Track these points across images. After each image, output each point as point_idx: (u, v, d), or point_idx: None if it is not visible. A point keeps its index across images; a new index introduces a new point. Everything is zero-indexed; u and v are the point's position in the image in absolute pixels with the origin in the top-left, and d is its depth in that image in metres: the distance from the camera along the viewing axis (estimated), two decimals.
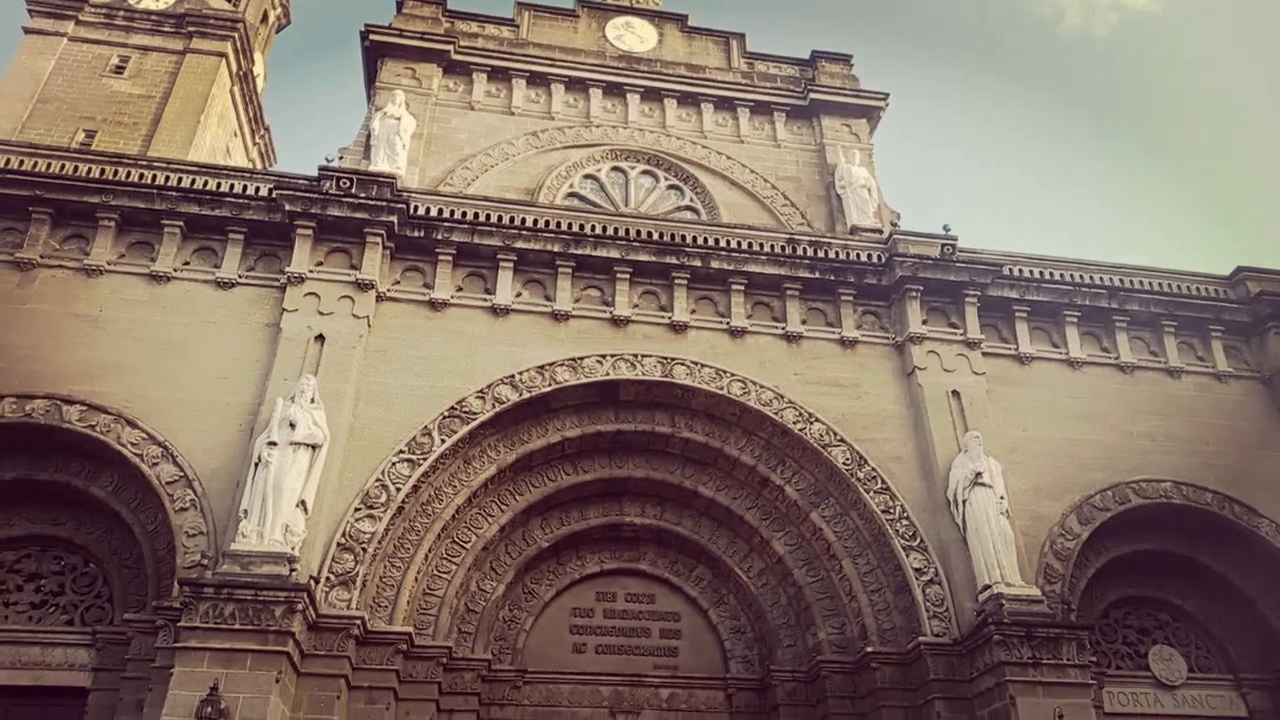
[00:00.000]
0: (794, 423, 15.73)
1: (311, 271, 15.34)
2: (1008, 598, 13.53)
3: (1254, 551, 15.87)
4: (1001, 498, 14.68)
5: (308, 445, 13.26)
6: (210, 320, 14.92)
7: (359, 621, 12.79)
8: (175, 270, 15.25)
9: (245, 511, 12.60)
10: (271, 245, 15.71)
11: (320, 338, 14.78)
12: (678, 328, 16.38)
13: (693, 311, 16.67)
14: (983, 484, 14.76)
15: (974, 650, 13.70)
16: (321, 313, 15.02)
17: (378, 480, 13.95)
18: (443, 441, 14.54)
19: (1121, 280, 18.19)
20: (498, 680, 14.98)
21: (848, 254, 17.40)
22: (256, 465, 12.96)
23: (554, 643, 15.84)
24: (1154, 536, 16.25)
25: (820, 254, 17.24)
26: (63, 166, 15.61)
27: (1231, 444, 16.73)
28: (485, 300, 16.07)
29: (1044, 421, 16.43)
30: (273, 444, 13.02)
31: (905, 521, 15.06)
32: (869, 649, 14.54)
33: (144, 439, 13.53)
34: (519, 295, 16.28)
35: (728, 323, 16.61)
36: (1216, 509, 15.85)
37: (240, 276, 15.39)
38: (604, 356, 15.79)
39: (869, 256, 17.39)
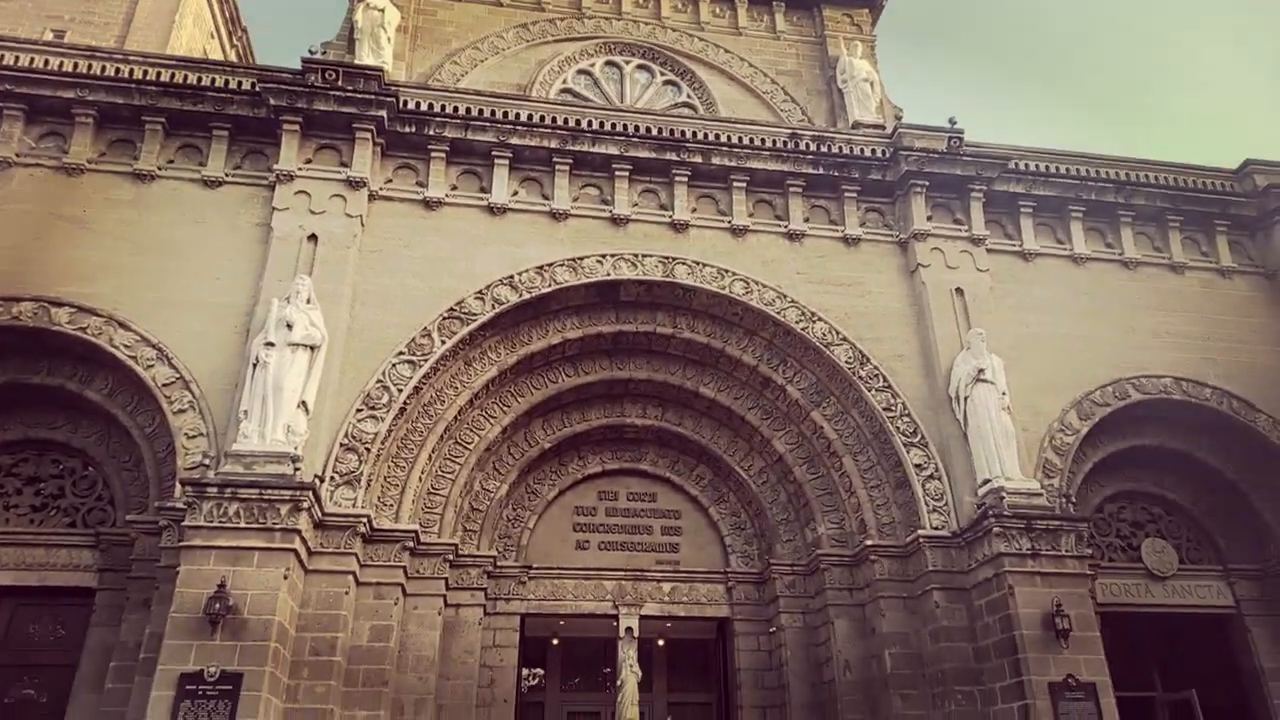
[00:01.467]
0: (796, 322, 15.56)
1: (300, 169, 14.84)
2: (1008, 491, 13.66)
3: (1249, 446, 16.01)
4: (1003, 394, 14.67)
5: (306, 346, 13.04)
6: (199, 220, 14.48)
7: (365, 519, 12.84)
8: (159, 169, 14.71)
9: (245, 412, 12.47)
10: (258, 142, 15.15)
11: (313, 237, 14.39)
12: (678, 226, 16.03)
13: (693, 210, 16.30)
14: (985, 380, 14.73)
15: (973, 542, 13.89)
16: (313, 212, 14.59)
17: (379, 381, 13.80)
18: (443, 343, 14.34)
19: (1127, 174, 17.84)
20: (503, 576, 15.20)
21: (852, 149, 16.94)
22: (254, 366, 12.77)
23: (557, 540, 16.03)
24: (1151, 432, 16.38)
25: (824, 149, 16.77)
26: (33, 60, 14.87)
27: (1232, 339, 16.69)
28: (481, 199, 15.64)
29: (1047, 318, 16.31)
30: (270, 345, 12.80)
31: (906, 419, 15.07)
32: (868, 543, 14.74)
33: (137, 341, 13.27)
34: (515, 194, 15.84)
35: (729, 221, 16.26)
36: (1215, 404, 15.91)
37: (227, 175, 14.87)
38: (604, 256, 15.47)
39: (873, 151, 16.94)
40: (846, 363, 15.38)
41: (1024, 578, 13.10)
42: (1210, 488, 16.48)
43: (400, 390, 13.86)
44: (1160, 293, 17.08)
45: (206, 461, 12.18)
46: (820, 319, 15.60)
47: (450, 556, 14.18)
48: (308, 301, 13.45)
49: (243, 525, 11.44)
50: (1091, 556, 14.65)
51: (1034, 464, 14.81)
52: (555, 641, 17.63)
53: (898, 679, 13.88)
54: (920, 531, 14.25)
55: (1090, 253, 17.19)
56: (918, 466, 14.79)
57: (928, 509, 14.48)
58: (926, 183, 16.58)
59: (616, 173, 16.11)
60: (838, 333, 15.53)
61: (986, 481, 14.10)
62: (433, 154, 15.59)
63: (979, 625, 13.66)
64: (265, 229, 14.46)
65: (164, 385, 13.09)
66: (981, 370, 14.75)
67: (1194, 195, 17.83)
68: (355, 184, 14.87)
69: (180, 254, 14.14)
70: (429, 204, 15.40)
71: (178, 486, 12.16)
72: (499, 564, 15.19)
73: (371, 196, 15.10)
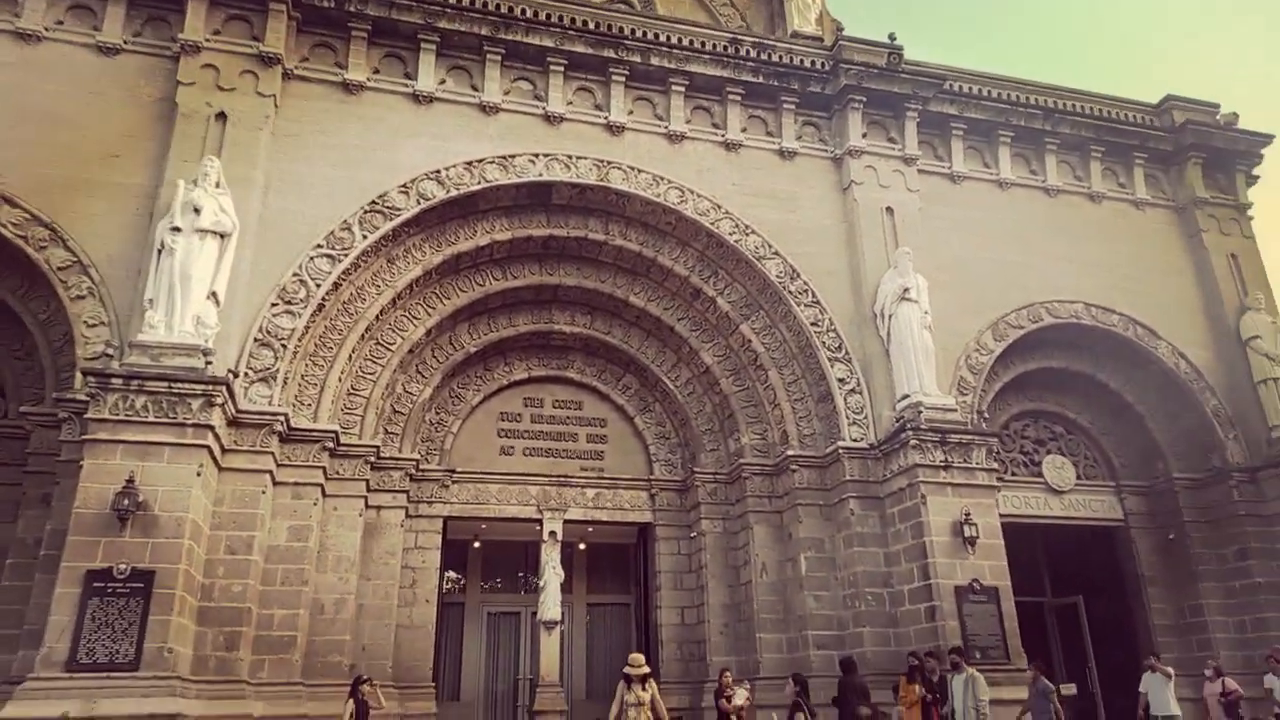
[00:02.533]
0: (730, 234, 15.42)
1: (207, 41, 13.67)
2: (926, 406, 14.06)
3: (1150, 371, 16.85)
4: (925, 313, 14.97)
5: (215, 233, 12.22)
6: (95, 91, 13.24)
7: (282, 418, 12.35)
8: (46, 29, 13.31)
9: (150, 301, 11.68)
10: (160, 7, 13.84)
11: (222, 116, 13.36)
12: (614, 129, 15.53)
13: (630, 113, 15.79)
14: (909, 299, 14.98)
15: (889, 454, 14.33)
16: (221, 88, 13.51)
17: (295, 275, 13.12)
18: (364, 237, 13.68)
19: (1055, 102, 18.10)
20: (426, 480, 14.97)
21: (792, 59, 16.62)
22: (160, 253, 11.92)
23: (481, 445, 15.83)
24: (1060, 354, 17.05)
25: (764, 57, 16.41)
26: None
27: (1141, 269, 17.38)
28: (406, 86, 14.77)
29: (971, 240, 16.60)
30: (177, 230, 11.94)
31: (832, 334, 15.26)
32: (790, 453, 15.06)
33: (27, 219, 12.20)
34: (443, 83, 15.02)
35: (666, 127, 15.84)
36: (1121, 330, 16.63)
37: (125, 42, 13.58)
38: (536, 156, 14.90)
39: (813, 63, 16.67)
40: (778, 277, 15.39)
41: (936, 488, 13.62)
42: (1109, 409, 17.35)
43: (318, 285, 13.22)
44: (1078, 221, 17.56)
45: (110, 352, 11.40)
46: (754, 232, 15.49)
47: (371, 458, 13.84)
48: (217, 186, 12.56)
49: (151, 419, 10.83)
50: (997, 470, 15.32)
51: (950, 381, 15.25)
52: (476, 545, 17.64)
53: (812, 581, 14.40)
54: (840, 443, 14.60)
55: (1015, 178, 17.48)
56: (840, 381, 15.05)
57: (848, 421, 14.82)
58: (864, 99, 16.45)
59: (551, 67, 15.43)
60: (770, 246, 15.48)
61: (905, 397, 14.48)
62: (353, 33, 14.59)
63: (890, 532, 14.21)
64: (169, 104, 13.36)
65: (59, 269, 12.14)
66: (907, 289, 14.98)
67: (1116, 127, 18.26)
68: (268, 60, 13.81)
69: (75, 128, 12.96)
70: (349, 88, 14.47)
71: (78, 377, 11.40)
72: (422, 467, 14.94)
73: (286, 75, 14.08)
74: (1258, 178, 18.87)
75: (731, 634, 15.08)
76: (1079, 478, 17.01)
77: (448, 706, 15.13)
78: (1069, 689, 15.07)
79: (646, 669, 10.18)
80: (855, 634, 13.94)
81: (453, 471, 15.26)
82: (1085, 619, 16.57)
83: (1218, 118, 18.96)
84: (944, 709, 10.60)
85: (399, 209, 13.96)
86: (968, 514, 13.44)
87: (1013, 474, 16.80)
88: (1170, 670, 12.86)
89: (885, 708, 12.13)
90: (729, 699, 11.97)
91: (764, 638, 14.46)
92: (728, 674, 12.61)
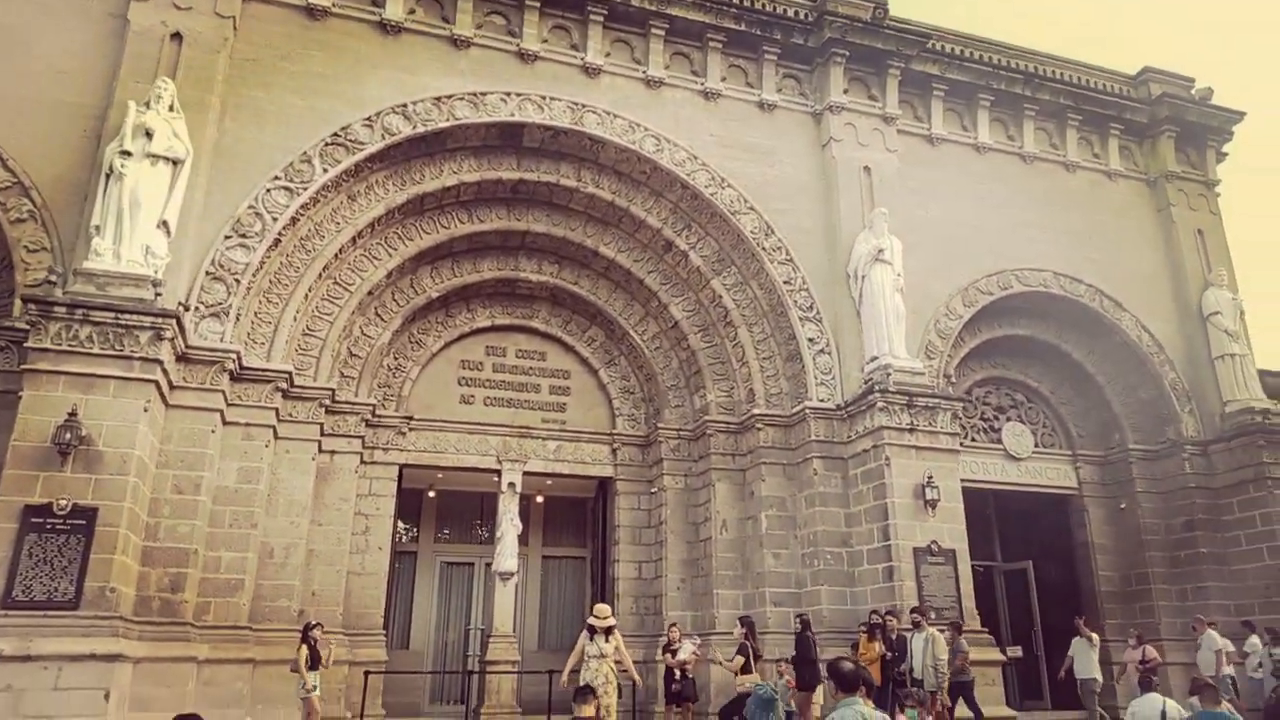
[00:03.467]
0: (705, 186, 15.09)
1: None
2: (895, 369, 14.00)
3: (1113, 342, 16.97)
4: (898, 275, 14.85)
5: (167, 159, 11.59)
6: (42, 4, 12.40)
7: (234, 355, 11.88)
8: None
9: (97, 228, 11.06)
10: None
11: (177, 36, 12.62)
12: (590, 71, 15.02)
13: (607, 55, 15.28)
14: (883, 260, 14.84)
15: (855, 415, 14.28)
16: (178, 6, 12.72)
17: (250, 207, 12.54)
18: (324, 171, 13.12)
19: (1036, 67, 17.96)
20: (382, 425, 14.60)
21: (775, 7, 16.19)
22: (108, 177, 11.28)
23: (441, 393, 15.46)
24: (1026, 323, 17.10)
25: (748, 4, 15.95)
26: None
27: (1111, 241, 17.43)
28: (372, 13, 14.09)
29: (945, 204, 16.47)
30: (126, 154, 11.29)
31: (804, 293, 15.08)
32: (756, 411, 14.96)
33: None
34: (412, 12, 14.35)
35: (644, 71, 15.37)
36: (1088, 301, 16.70)
37: None
38: (508, 95, 14.36)
39: (797, 13, 16.26)
40: (752, 233, 15.12)
41: (900, 450, 13.61)
42: (1071, 379, 17.49)
43: (275, 219, 12.67)
44: (1052, 189, 17.52)
45: (53, 279, 10.79)
46: (730, 185, 15.18)
47: (326, 401, 13.42)
48: (170, 109, 11.89)
49: (96, 351, 10.31)
50: (960, 435, 15.38)
51: (918, 345, 15.19)
52: (431, 494, 17.35)
53: (772, 539, 14.39)
54: (807, 403, 14.51)
55: (993, 143, 17.35)
56: (810, 341, 14.92)
57: (816, 382, 14.72)
58: (847, 53, 16.12)
59: (526, 2, 14.83)
60: (746, 201, 15.19)
61: (874, 359, 14.40)
62: None
63: (852, 493, 14.22)
64: (121, 21, 12.57)
65: None
66: (881, 250, 14.83)
67: (1094, 96, 18.17)
68: None
69: (19, 41, 12.15)
70: (312, 12, 13.76)
71: (17, 304, 10.83)
72: (378, 413, 14.56)
73: None
74: (1227, 154, 18.97)
75: (689, 589, 15.07)
76: (1037, 446, 17.18)
77: (397, 654, 14.94)
78: (1015, 651, 15.39)
79: (612, 620, 9.86)
80: (813, 592, 13.99)
81: (410, 418, 14.91)
82: (1034, 584, 16.86)
83: (1193, 92, 18.97)
84: (901, 667, 10.66)
85: (362, 143, 13.40)
86: (930, 477, 13.48)
87: (972, 439, 16.90)
88: (1095, 635, 13.08)
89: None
90: (673, 653, 11.95)
91: (721, 594, 14.45)
92: (675, 629, 12.59)
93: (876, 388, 13.78)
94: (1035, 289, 16.48)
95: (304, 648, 10.33)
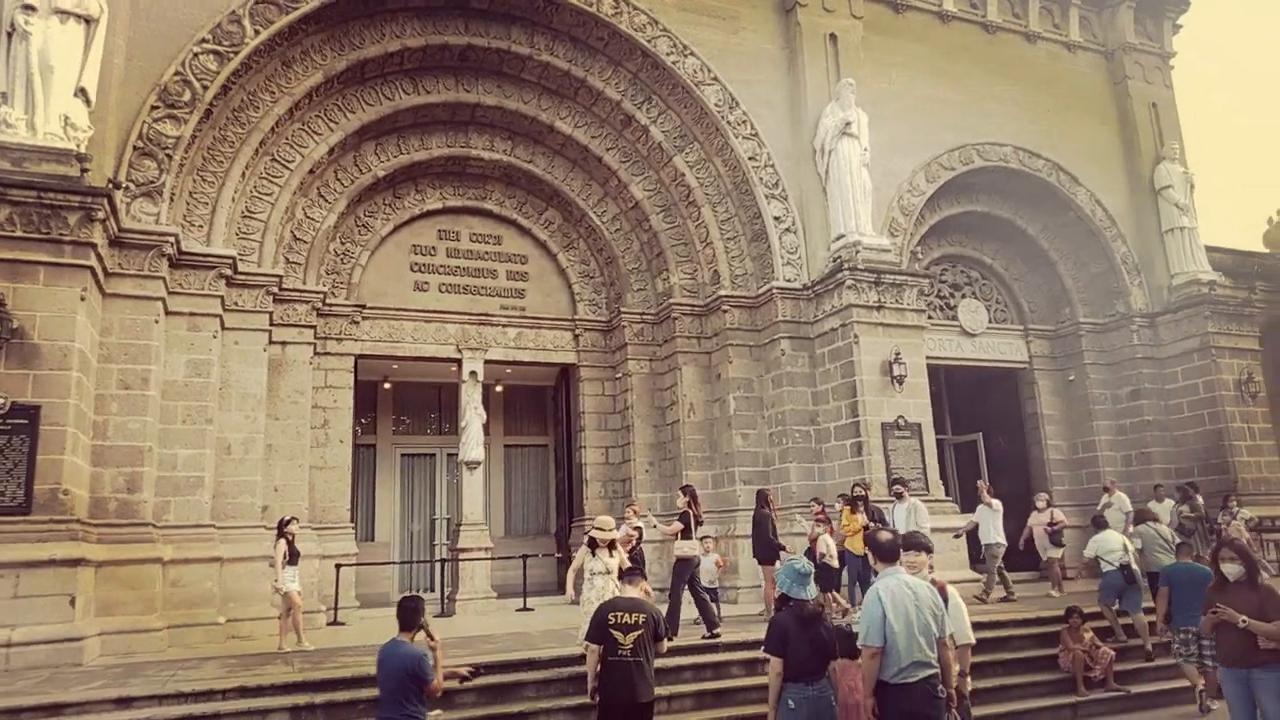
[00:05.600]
0: (667, 54, 14.27)
1: None
2: (864, 246, 13.82)
3: (1067, 218, 17.09)
4: (865, 150, 14.50)
5: (79, 16, 10.28)
6: None
7: (171, 239, 10.92)
8: None
9: (4, 95, 9.83)
10: None
11: None
12: None
13: None
14: (850, 134, 14.43)
15: (823, 294, 14.14)
16: None
17: (177, 74, 11.32)
18: (256, 33, 11.87)
19: None
20: (333, 315, 13.84)
21: None
22: (11, 35, 9.97)
23: (393, 280, 14.70)
24: (983, 199, 17.03)
25: None
26: None
27: (1068, 114, 17.32)
28: None
29: (909, 75, 16.02)
30: (30, 9, 9.95)
31: (770, 169, 14.62)
32: (721, 293, 14.68)
33: None
34: None
35: None
36: (1045, 175, 16.66)
37: None
38: None
39: None
40: (716, 105, 14.47)
41: (869, 328, 13.57)
42: (1024, 255, 17.64)
43: (205, 87, 11.49)
44: (1013, 61, 17.20)
45: None
46: (692, 53, 14.39)
47: (274, 289, 12.58)
48: None
49: (19, 234, 9.29)
50: (925, 311, 15.39)
51: (883, 222, 15.00)
52: (386, 386, 16.81)
53: (740, 419, 14.39)
54: (774, 283, 14.29)
55: (957, 11, 16.81)
56: (776, 219, 14.58)
57: (782, 261, 14.47)
58: None
59: None
60: (709, 70, 14.46)
61: (841, 237, 14.18)
62: None
63: (819, 371, 14.21)
64: None
65: None
66: (849, 123, 14.40)
67: None
68: None
69: None
70: None
71: None
72: (329, 301, 13.77)
73: None
74: (1181, 26, 18.87)
75: (657, 472, 15.05)
76: (990, 322, 17.41)
77: (364, 547, 14.67)
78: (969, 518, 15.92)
79: (616, 534, 8.73)
80: (781, 469, 14.12)
81: (363, 307, 14.17)
82: (983, 454, 17.40)
83: None
84: None
85: (296, 2, 12.15)
86: (898, 354, 13.52)
87: (930, 317, 16.94)
88: (997, 501, 13.29)
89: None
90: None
91: (691, 475, 14.43)
92: (631, 508, 12.22)
93: (845, 266, 13.60)
94: (995, 164, 16.35)
95: (282, 543, 9.90)
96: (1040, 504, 14.44)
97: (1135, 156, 17.59)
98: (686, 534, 10.26)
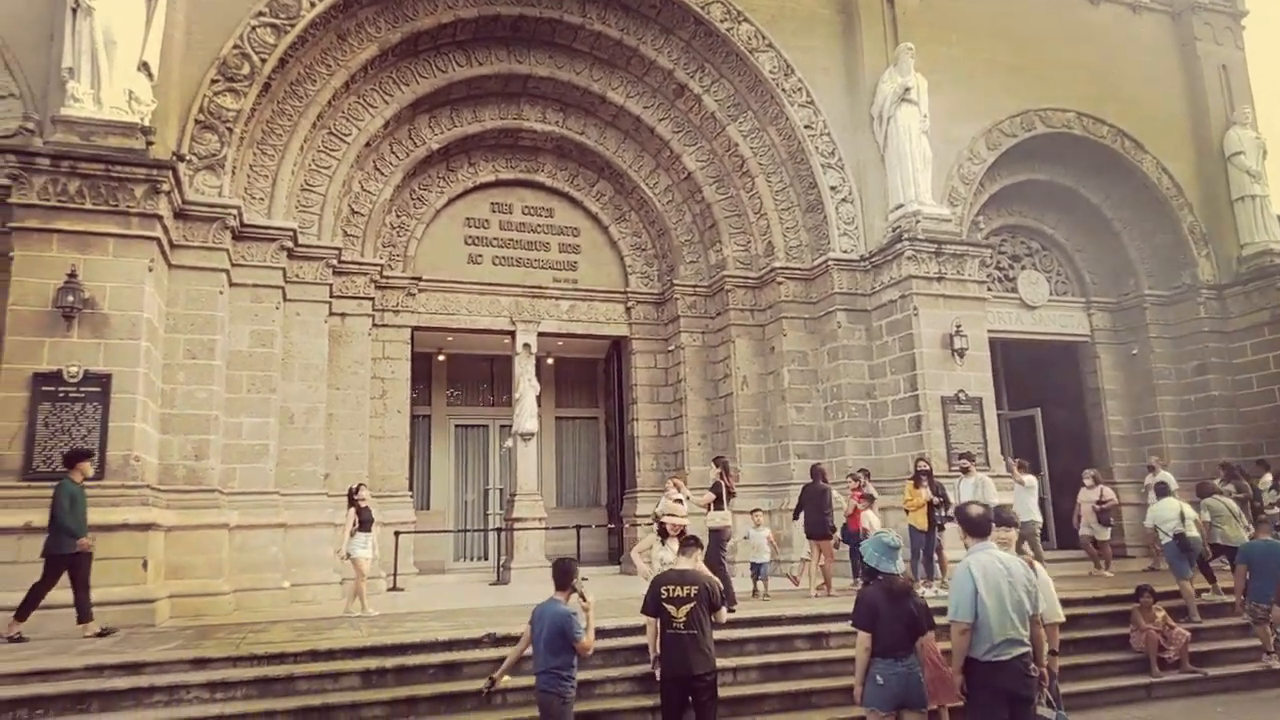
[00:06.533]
0: (720, 20, 14.04)
1: None
2: (924, 215, 13.52)
3: (1132, 185, 16.55)
4: (925, 117, 14.15)
5: None
6: None
7: (234, 211, 11.05)
8: None
9: (70, 70, 9.97)
10: None
11: None
12: None
13: None
14: (909, 100, 14.08)
15: (880, 265, 13.88)
16: None
17: (236, 47, 11.40)
18: (312, 5, 11.89)
19: None
20: (390, 287, 13.94)
21: None
22: (75, 11, 10.09)
23: (448, 253, 14.76)
24: (1045, 167, 16.53)
25: None
26: None
27: (1133, 78, 16.71)
28: None
29: (967, 39, 15.55)
30: None
31: (825, 138, 14.36)
32: (776, 265, 14.51)
33: None
34: None
35: None
36: (1109, 142, 16.13)
37: None
38: None
39: None
40: (770, 73, 14.22)
41: (929, 300, 13.31)
42: (1087, 225, 17.12)
43: (263, 60, 11.55)
44: (1075, 23, 16.61)
45: (30, 127, 9.80)
46: (746, 20, 14.14)
47: (334, 261, 12.69)
48: None
49: (89, 207, 9.46)
50: (986, 282, 15.07)
51: (942, 191, 14.64)
52: (440, 358, 16.94)
53: (794, 393, 14.24)
54: (830, 254, 14.07)
55: None
56: (833, 189, 14.33)
57: (838, 232, 14.23)
58: None
59: None
60: (763, 37, 14.20)
61: (900, 206, 13.89)
62: None
63: (876, 344, 14.00)
64: None
65: None
66: (908, 89, 14.05)
67: None
68: None
69: None
70: None
71: None
72: (385, 274, 13.87)
73: None
74: None
75: (710, 445, 14.96)
76: (1051, 294, 16.97)
77: (420, 515, 14.83)
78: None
79: (686, 521, 8.39)
80: (836, 444, 13.97)
81: (419, 279, 14.26)
82: (1041, 430, 17.06)
83: None
84: (949, 510, 10.65)
85: None
86: (959, 326, 13.24)
87: (990, 289, 16.59)
88: (1031, 478, 12.67)
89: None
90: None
91: (744, 448, 14.39)
92: (673, 479, 11.96)
93: (905, 236, 13.33)
94: (1059, 130, 15.85)
95: (352, 511, 10.05)
96: (1088, 481, 13.63)
97: (1204, 122, 16.95)
98: (719, 505, 10.26)
